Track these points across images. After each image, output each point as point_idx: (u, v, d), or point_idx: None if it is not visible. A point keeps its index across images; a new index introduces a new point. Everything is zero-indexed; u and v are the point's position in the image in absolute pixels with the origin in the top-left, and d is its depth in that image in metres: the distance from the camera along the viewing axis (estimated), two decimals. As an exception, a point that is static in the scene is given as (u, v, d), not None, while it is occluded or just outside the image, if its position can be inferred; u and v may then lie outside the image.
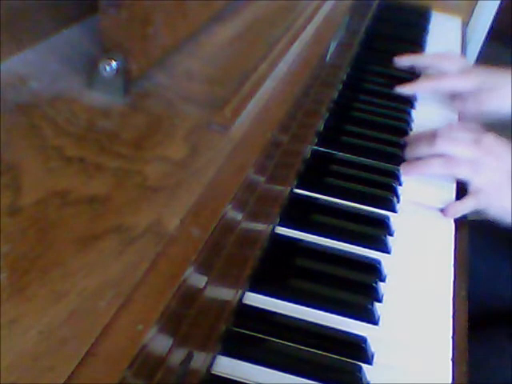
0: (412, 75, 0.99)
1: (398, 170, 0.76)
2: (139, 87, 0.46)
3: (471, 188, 0.72)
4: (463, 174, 0.73)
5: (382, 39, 1.18)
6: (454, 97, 0.95)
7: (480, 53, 1.68)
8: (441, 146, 0.74)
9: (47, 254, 0.30)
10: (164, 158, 0.41)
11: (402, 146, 0.81)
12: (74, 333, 0.28)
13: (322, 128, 0.81)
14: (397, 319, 0.57)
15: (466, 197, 0.72)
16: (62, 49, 0.45)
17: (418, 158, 0.76)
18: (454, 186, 0.76)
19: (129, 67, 0.43)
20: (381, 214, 0.69)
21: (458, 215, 0.71)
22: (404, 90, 0.94)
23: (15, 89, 0.40)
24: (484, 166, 0.71)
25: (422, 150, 0.76)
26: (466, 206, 0.72)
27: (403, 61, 1.01)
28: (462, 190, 0.74)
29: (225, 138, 0.45)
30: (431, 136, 0.75)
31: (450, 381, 0.52)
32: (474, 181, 0.72)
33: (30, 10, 0.44)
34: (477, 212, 0.73)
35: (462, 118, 0.94)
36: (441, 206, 0.72)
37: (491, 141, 0.73)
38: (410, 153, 0.78)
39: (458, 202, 0.72)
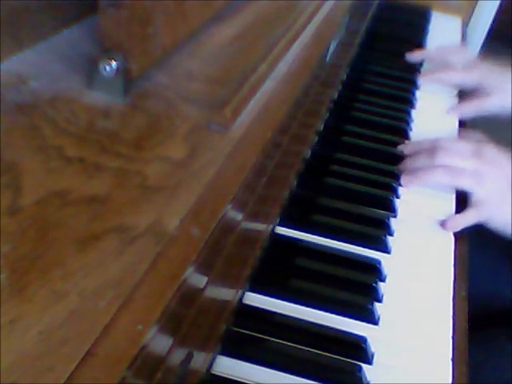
0: (411, 74, 1.01)
1: (398, 170, 0.76)
2: (139, 87, 0.46)
3: (473, 200, 0.70)
4: (466, 185, 0.71)
5: (381, 39, 1.18)
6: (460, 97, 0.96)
7: (480, 53, 1.67)
8: (441, 159, 0.72)
9: (47, 254, 0.30)
10: (164, 158, 0.41)
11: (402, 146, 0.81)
12: (74, 333, 0.28)
13: (321, 128, 0.81)
14: (397, 319, 0.57)
15: (467, 210, 0.70)
16: (62, 49, 0.45)
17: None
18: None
19: (129, 67, 0.43)
20: (381, 214, 0.69)
21: (459, 229, 0.69)
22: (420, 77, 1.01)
23: (15, 89, 0.40)
24: (486, 177, 0.70)
25: (422, 162, 0.74)
26: (467, 220, 0.70)
27: (414, 56, 1.05)
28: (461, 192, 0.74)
29: (225, 138, 0.45)
30: (431, 148, 0.74)
31: (450, 381, 0.52)
32: (477, 192, 0.70)
33: (30, 9, 0.44)
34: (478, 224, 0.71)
35: (464, 115, 0.94)
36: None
37: (492, 151, 0.72)
38: (409, 165, 0.76)
39: (459, 215, 0.71)
